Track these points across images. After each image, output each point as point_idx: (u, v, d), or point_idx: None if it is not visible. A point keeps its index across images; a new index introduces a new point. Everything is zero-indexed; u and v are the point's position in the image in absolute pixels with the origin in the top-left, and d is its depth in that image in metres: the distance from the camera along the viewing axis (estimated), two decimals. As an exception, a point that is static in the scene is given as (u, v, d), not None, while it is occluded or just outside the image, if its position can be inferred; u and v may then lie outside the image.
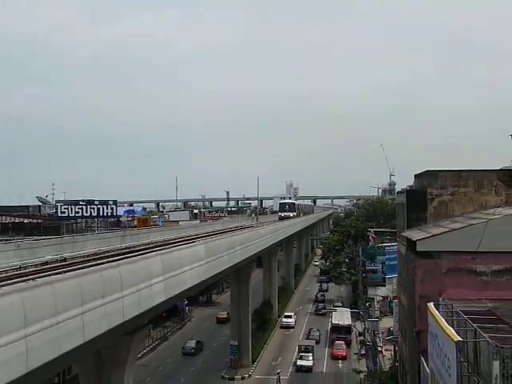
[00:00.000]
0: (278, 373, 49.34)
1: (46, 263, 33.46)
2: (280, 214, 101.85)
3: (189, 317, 79.40)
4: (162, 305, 25.41)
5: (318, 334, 67.37)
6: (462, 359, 15.86)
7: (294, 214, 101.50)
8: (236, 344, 56.56)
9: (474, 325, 16.88)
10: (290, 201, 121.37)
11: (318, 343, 63.15)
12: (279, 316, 78.87)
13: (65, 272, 16.96)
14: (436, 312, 18.99)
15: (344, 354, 59.41)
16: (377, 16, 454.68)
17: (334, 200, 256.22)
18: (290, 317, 76.33)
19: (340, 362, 58.22)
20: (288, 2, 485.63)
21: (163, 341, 66.88)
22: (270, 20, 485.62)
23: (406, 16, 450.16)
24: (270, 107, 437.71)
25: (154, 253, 24.54)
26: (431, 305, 20.24)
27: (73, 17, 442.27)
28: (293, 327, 73.80)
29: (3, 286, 13.98)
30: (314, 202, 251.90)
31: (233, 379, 53.11)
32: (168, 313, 68.34)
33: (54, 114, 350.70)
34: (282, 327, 73.83)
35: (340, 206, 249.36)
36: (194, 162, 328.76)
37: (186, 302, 74.92)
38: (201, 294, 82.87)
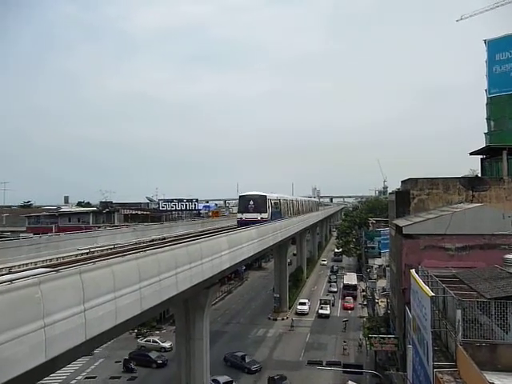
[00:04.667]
0: (292, 319, 51.56)
1: (152, 241, 34.34)
2: (240, 215, 41.60)
3: (246, 278, 79.86)
4: (228, 269, 25.58)
5: (334, 289, 67.56)
6: (435, 308, 15.62)
7: (265, 216, 40.59)
8: (278, 296, 56.84)
9: (443, 285, 16.67)
10: (258, 193, 42.59)
11: (334, 298, 62.87)
12: (307, 277, 78.48)
13: (164, 246, 17.37)
14: (416, 276, 18.72)
15: (352, 305, 59.35)
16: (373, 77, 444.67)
17: (345, 198, 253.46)
18: (304, 304, 57.06)
19: (349, 311, 57.93)
20: (301, 64, 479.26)
21: (229, 293, 67.46)
22: (289, 77, 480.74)
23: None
24: (297, 134, 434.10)
25: (223, 234, 24.91)
26: (413, 271, 19.98)
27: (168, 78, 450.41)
28: (307, 314, 55.34)
29: (126, 255, 14.43)
30: (331, 199, 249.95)
31: (275, 319, 53.36)
32: (232, 274, 69.01)
33: (148, 142, 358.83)
34: (297, 314, 55.06)
35: (349, 203, 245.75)
36: (247, 173, 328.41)
37: (244, 268, 75.40)
38: (254, 261, 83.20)
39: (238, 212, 41.45)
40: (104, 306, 11.60)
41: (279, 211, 46.20)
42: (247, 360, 38.42)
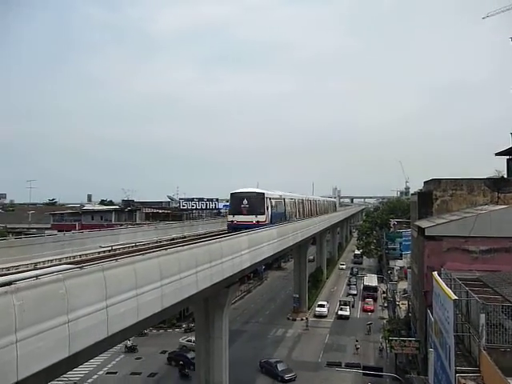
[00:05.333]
0: (307, 318, 51.64)
1: (173, 239, 34.60)
2: (231, 218, 33.71)
3: (265, 277, 79.84)
4: (248, 269, 25.61)
5: (354, 292, 66.63)
6: (458, 312, 15.35)
7: (262, 218, 32.93)
8: (297, 296, 56.71)
9: (467, 288, 16.36)
10: (254, 190, 34.92)
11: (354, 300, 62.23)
12: (327, 278, 77.98)
13: (185, 245, 17.45)
14: (439, 278, 18.42)
15: (372, 308, 58.52)
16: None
17: (366, 199, 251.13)
18: (323, 306, 56.04)
19: (369, 313, 57.29)
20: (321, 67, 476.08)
21: (248, 293, 67.57)
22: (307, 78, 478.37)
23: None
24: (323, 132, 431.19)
25: (243, 233, 24.92)
26: (435, 273, 19.66)
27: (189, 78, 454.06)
28: (325, 316, 54.30)
29: (147, 253, 14.58)
30: (352, 200, 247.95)
31: (295, 320, 53.17)
32: (251, 274, 69.10)
33: (170, 142, 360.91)
34: (316, 316, 54.02)
35: (370, 204, 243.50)
36: (268, 172, 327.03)
37: (263, 267, 75.37)
38: (274, 261, 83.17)
39: (229, 214, 34.03)
40: (126, 302, 11.75)
41: (283, 212, 39.65)
42: (280, 368, 36.22)
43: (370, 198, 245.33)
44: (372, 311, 57.55)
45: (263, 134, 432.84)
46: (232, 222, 32.85)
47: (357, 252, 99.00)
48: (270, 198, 34.75)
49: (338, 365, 37.72)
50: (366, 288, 65.23)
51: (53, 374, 10.23)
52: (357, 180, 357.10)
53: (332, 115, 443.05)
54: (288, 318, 53.80)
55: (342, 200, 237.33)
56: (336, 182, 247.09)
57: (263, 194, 34.07)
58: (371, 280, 67.98)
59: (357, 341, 43.54)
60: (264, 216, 32.80)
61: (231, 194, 34.06)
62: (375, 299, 62.16)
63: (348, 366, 37.55)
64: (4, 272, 16.64)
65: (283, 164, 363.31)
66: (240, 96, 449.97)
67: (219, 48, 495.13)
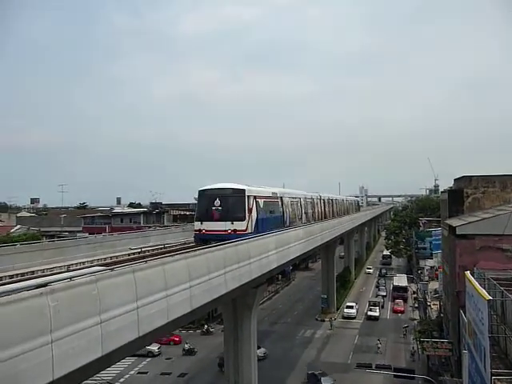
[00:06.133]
0: (332, 322, 51.23)
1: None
2: (198, 226, 23.49)
3: (293, 278, 79.55)
4: (275, 269, 25.44)
5: (383, 293, 65.51)
6: (492, 313, 14.90)
7: (242, 226, 22.96)
8: (325, 297, 56.33)
9: (502, 288, 15.89)
10: (230, 186, 24.45)
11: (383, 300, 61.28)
12: (355, 278, 77.08)
13: (213, 246, 17.49)
14: (471, 278, 17.93)
15: (402, 309, 57.36)
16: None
17: (394, 198, 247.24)
18: (351, 307, 55.26)
19: (399, 314, 56.33)
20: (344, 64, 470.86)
21: (276, 293, 67.51)
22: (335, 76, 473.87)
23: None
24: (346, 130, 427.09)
25: (270, 235, 24.85)
26: (468, 273, 19.15)
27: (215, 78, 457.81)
28: (354, 317, 53.66)
29: (176, 254, 14.71)
30: (379, 199, 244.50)
31: (323, 320, 52.73)
32: (279, 275, 68.96)
33: (197, 143, 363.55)
34: (344, 318, 53.66)
35: (398, 202, 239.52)
36: (295, 173, 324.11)
37: (290, 268, 75.13)
38: (301, 262, 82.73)
39: (196, 219, 23.89)
40: (156, 303, 11.88)
41: (279, 216, 29.58)
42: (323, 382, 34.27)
43: (398, 196, 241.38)
44: (402, 312, 56.55)
45: (290, 134, 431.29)
46: (199, 231, 22.95)
47: (385, 253, 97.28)
48: (254, 198, 24.75)
49: (368, 366, 37.23)
50: (396, 288, 64.16)
51: (86, 373, 10.44)
52: (384, 179, 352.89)
53: (359, 114, 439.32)
54: (316, 319, 53.50)
55: (369, 199, 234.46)
56: (363, 182, 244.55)
57: (243, 190, 23.91)
58: (401, 280, 66.84)
59: (378, 340, 43.23)
60: (244, 222, 22.91)
61: (199, 191, 24.24)
62: (405, 300, 61.05)
63: (378, 367, 37.01)
64: (39, 274, 17.12)
65: (310, 164, 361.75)
66: (265, 96, 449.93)
67: (244, 49, 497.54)
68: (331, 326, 49.98)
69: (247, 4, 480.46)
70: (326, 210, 46.60)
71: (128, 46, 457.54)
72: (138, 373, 37.92)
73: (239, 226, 22.91)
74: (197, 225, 23.44)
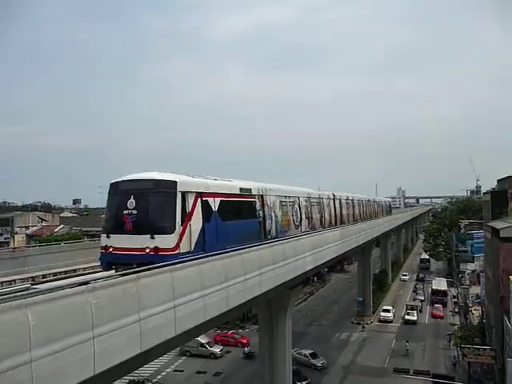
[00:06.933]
0: (364, 324, 50.66)
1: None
2: (104, 241, 13.57)
3: (328, 280, 78.78)
4: (311, 271, 25.35)
5: (421, 297, 63.62)
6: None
7: (169, 243, 13.05)
8: (361, 299, 55.49)
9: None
10: (152, 177, 14.12)
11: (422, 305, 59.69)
12: (392, 281, 75.49)
13: (248, 247, 17.46)
14: (516, 283, 17.23)
15: (441, 314, 55.31)
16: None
17: (433, 199, 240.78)
18: (388, 311, 54.07)
19: (439, 319, 54.51)
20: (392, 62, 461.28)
21: (311, 295, 67.10)
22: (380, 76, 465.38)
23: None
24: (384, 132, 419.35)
25: (305, 235, 24.70)
26: (512, 277, 18.42)
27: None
28: (391, 321, 52.49)
29: (212, 255, 14.73)
30: (417, 200, 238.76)
31: (359, 324, 51.91)
32: (314, 276, 68.42)
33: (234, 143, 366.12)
34: (380, 321, 52.63)
35: (437, 204, 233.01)
36: (331, 175, 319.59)
37: (326, 270, 74.42)
38: (336, 263, 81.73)
39: (103, 230, 14.46)
40: (192, 303, 12.06)
41: (257, 223, 20.07)
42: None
43: (438, 197, 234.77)
44: (441, 317, 54.71)
45: (325, 135, 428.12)
46: (105, 248, 13.87)
47: (423, 256, 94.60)
48: (199, 196, 15.12)
49: (406, 371, 36.41)
50: (435, 292, 62.26)
51: (126, 369, 10.76)
52: (423, 180, 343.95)
53: (397, 114, 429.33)
54: (352, 322, 52.78)
55: (406, 201, 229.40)
56: (401, 183, 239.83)
57: (173, 183, 14.31)
58: (440, 284, 64.74)
59: (407, 342, 42.32)
60: (173, 236, 13.65)
61: (110, 185, 14.89)
62: (444, 304, 59.19)
63: (416, 373, 36.12)
64: (81, 272, 17.70)
65: (347, 165, 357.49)
66: (299, 97, 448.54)
67: (277, 50, 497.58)
68: (363, 327, 49.34)
69: (278, 4, 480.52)
70: (344, 213, 37.05)
71: (166, 48, 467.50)
72: (174, 371, 38.56)
73: (164, 242, 13.31)
74: (103, 239, 14.06)
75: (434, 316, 55.33)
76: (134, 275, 9.95)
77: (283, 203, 23.51)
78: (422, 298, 62.90)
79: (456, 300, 57.40)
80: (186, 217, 14.06)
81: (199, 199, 15.00)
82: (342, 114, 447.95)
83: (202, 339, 40.79)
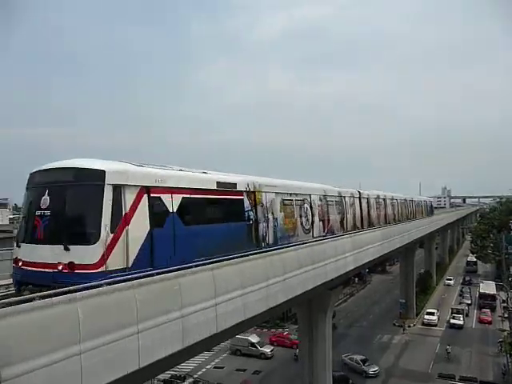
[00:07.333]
0: (405, 326, 49.49)
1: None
2: (16, 254, 10.22)
3: (369, 281, 77.38)
4: (351, 271, 24.99)
5: (468, 301, 61.21)
6: None
7: (92, 257, 9.18)
8: (404, 301, 54.26)
9: None
10: (74, 165, 10.09)
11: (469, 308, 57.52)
12: (437, 284, 73.14)
13: (288, 247, 17.41)
14: None
15: (490, 319, 52.78)
16: None
17: (481, 199, 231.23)
18: (432, 314, 52.62)
19: (487, 324, 52.16)
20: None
21: (351, 296, 66.08)
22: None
23: None
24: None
25: (347, 236, 24.40)
26: None
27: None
28: (435, 325, 51.03)
29: (253, 254, 14.82)
30: (464, 200, 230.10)
31: (401, 326, 50.56)
32: (355, 277, 67.36)
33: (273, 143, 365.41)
34: (424, 325, 51.23)
35: (485, 204, 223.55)
36: (378, 172, 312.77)
37: (367, 270, 73.12)
38: (378, 264, 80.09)
39: (16, 240, 10.94)
40: (233, 301, 12.20)
41: (245, 227, 15.88)
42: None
43: (486, 197, 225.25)
44: (490, 323, 52.32)
45: (368, 133, 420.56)
46: (16, 262, 10.25)
47: (470, 258, 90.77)
48: (145, 191, 11.01)
49: (452, 377, 35.24)
50: (483, 296, 59.54)
51: (168, 363, 11.05)
52: (471, 179, 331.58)
53: (445, 113, 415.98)
54: (394, 324, 51.54)
55: (452, 200, 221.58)
56: (447, 182, 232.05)
57: (101, 173, 10.05)
58: (488, 287, 61.88)
59: (448, 345, 41.10)
60: (96, 247, 9.55)
61: (31, 175, 11.04)
62: (493, 309, 56.65)
63: (463, 379, 34.88)
64: None
65: (391, 164, 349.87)
66: (340, 96, 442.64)
67: (318, 48, 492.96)
68: (404, 329, 48.19)
69: (321, 3, 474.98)
70: (372, 214, 32.60)
71: (211, 51, 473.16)
72: (215, 367, 39.07)
73: (83, 255, 9.55)
74: (14, 249, 10.99)
75: (481, 321, 53.12)
76: (176, 273, 10.20)
77: (286, 202, 19.43)
78: (469, 302, 60.53)
79: (506, 305, 54.83)
80: (121, 220, 10.02)
81: (145, 196, 10.83)
82: (385, 112, 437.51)
83: (253, 339, 40.93)
